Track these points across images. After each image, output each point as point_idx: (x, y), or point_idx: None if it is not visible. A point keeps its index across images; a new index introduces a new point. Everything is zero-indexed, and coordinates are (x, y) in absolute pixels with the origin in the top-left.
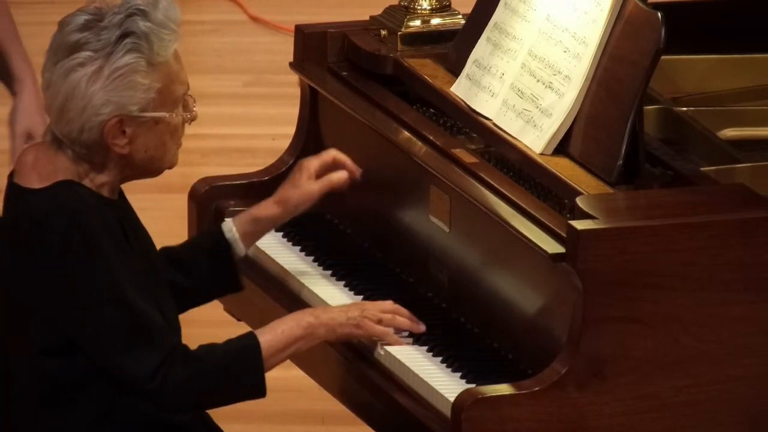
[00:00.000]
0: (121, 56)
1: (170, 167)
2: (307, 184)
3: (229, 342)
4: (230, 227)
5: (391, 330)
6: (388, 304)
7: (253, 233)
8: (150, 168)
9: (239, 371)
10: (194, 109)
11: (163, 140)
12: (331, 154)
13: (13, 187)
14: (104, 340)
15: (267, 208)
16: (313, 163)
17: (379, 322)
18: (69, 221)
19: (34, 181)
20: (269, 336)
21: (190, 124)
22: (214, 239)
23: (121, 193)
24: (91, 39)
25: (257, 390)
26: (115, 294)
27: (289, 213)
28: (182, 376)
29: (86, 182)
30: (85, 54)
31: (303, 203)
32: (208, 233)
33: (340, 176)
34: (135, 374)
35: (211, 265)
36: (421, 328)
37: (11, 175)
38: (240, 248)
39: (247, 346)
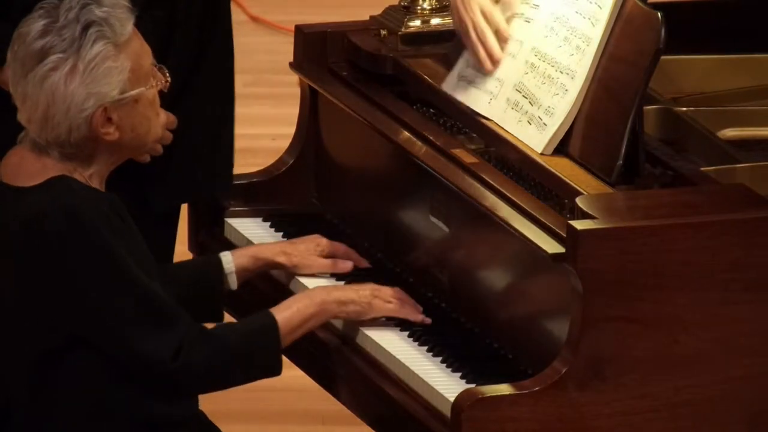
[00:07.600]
0: (90, 47)
1: (156, 140)
2: (316, 259)
3: (247, 321)
4: (229, 260)
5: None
6: (398, 291)
7: (249, 270)
8: (138, 146)
9: (258, 350)
10: (160, 74)
11: (146, 115)
12: (346, 249)
13: (1, 187)
14: (120, 328)
15: (271, 252)
16: (330, 247)
17: (389, 304)
18: (66, 216)
19: (24, 180)
20: (286, 314)
21: (165, 91)
22: (209, 269)
23: (111, 190)
24: (55, 41)
25: (274, 369)
26: (124, 280)
27: (287, 269)
28: (203, 354)
29: (76, 176)
30: (54, 57)
31: (302, 270)
32: (205, 263)
33: (345, 266)
34: (156, 357)
35: (197, 294)
36: (426, 320)
37: None
38: (232, 281)
39: (266, 324)
